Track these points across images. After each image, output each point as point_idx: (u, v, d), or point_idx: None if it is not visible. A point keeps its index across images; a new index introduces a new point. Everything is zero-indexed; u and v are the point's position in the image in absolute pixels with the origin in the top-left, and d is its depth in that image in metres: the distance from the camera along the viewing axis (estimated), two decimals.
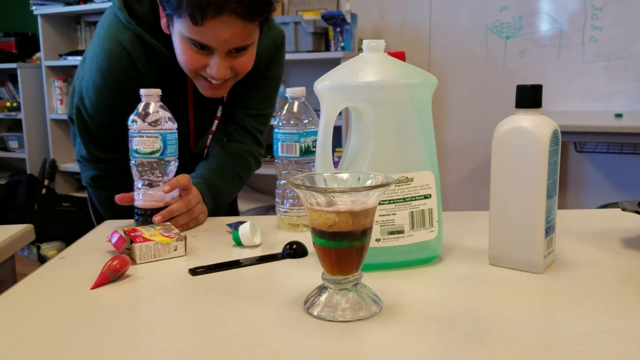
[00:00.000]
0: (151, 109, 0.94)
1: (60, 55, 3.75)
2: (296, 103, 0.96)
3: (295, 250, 0.82)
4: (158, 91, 0.95)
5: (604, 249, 0.82)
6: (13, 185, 3.70)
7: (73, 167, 3.86)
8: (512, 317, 0.61)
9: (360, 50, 3.32)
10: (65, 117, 3.81)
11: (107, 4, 3.52)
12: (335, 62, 3.00)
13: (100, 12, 3.75)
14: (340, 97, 0.75)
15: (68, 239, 3.61)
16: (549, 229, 0.74)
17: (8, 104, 4.03)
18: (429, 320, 0.60)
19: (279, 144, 0.95)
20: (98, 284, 0.71)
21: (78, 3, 3.59)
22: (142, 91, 0.94)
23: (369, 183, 0.64)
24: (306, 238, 0.88)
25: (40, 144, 3.92)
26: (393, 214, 0.75)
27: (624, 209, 0.81)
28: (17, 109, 3.95)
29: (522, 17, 3.05)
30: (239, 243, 0.87)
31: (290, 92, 0.95)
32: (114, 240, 0.83)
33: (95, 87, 1.10)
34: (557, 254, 0.80)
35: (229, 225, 0.95)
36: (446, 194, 3.16)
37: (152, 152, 0.94)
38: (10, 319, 0.63)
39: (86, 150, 1.17)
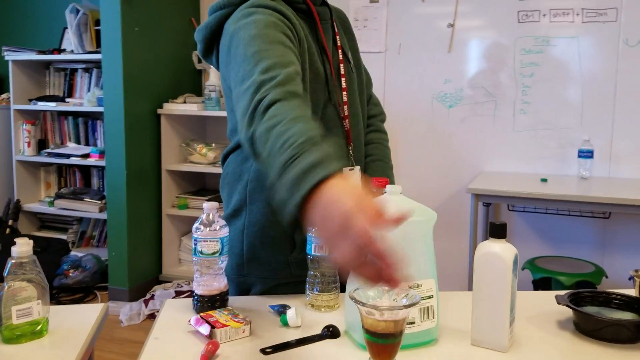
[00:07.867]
0: (212, 218, 1.22)
1: (30, 100, 3.88)
2: None
3: (332, 332, 1.12)
4: (216, 204, 1.23)
5: (546, 330, 1.17)
6: None
7: (37, 207, 3.97)
8: None
9: None
10: (31, 159, 3.93)
11: (77, 56, 3.69)
12: None
13: (70, 61, 3.91)
14: None
15: None
16: (512, 321, 1.08)
17: None
18: None
19: (312, 245, 1.25)
20: None
21: (52, 53, 3.74)
22: (205, 205, 1.22)
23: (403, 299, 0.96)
24: (332, 319, 1.19)
25: (5, 184, 4.00)
26: None
27: (558, 303, 1.17)
28: None
29: (462, 89, 3.50)
30: (285, 324, 1.17)
31: None
32: (197, 325, 1.10)
33: (254, 27, 1.15)
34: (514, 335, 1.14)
35: (272, 307, 1.24)
36: None
37: (213, 253, 1.21)
38: None
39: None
